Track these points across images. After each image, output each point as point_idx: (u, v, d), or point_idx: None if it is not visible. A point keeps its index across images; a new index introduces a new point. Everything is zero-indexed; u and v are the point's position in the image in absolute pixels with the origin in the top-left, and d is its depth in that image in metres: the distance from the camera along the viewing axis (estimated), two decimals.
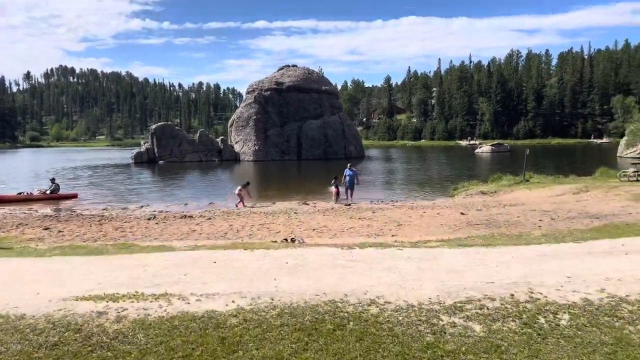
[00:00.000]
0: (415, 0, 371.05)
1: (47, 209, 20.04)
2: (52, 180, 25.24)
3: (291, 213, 16.42)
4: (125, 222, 14.30)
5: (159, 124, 64.32)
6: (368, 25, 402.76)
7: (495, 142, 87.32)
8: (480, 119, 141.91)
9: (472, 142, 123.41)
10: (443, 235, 10.38)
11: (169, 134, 60.24)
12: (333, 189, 21.88)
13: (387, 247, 8.51)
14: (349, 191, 22.33)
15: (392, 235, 10.43)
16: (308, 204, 20.54)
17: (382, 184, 30.96)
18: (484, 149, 77.78)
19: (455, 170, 41.66)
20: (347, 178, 22.62)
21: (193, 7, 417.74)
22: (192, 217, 15.26)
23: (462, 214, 14.05)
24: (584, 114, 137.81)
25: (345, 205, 19.60)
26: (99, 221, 14.73)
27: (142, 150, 60.69)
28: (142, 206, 20.77)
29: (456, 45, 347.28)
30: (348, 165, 23.31)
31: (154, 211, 18.27)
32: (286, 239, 10.13)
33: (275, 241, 9.88)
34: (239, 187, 20.86)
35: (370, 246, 8.72)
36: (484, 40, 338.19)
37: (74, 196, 25.51)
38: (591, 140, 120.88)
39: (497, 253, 7.54)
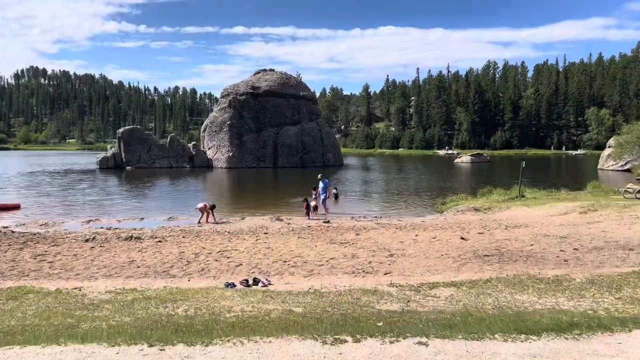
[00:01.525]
0: (393, 10, 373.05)
1: None
2: None
3: (260, 233, 14.03)
4: (54, 245, 11.70)
5: (127, 127, 61.09)
6: (346, 33, 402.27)
7: (475, 152, 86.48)
8: (458, 129, 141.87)
9: (450, 151, 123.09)
10: (449, 272, 8.20)
11: (138, 139, 57.10)
12: (308, 203, 19.93)
13: (382, 299, 6.30)
14: (324, 205, 20.19)
15: (386, 274, 8.17)
16: (282, 220, 18.20)
17: (363, 196, 28.80)
18: (464, 159, 76.74)
19: (437, 182, 39.86)
20: (321, 191, 20.54)
21: (171, 11, 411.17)
22: (139, 238, 12.73)
23: (462, 238, 11.90)
24: (559, 126, 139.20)
25: (323, 222, 17.31)
26: (23, 243, 12.10)
27: (108, 155, 57.37)
28: (89, 220, 18.06)
29: (433, 55, 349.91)
30: (319, 176, 21.35)
31: (100, 228, 15.62)
32: (247, 280, 7.74)
33: (232, 284, 7.46)
34: (204, 203, 18.42)
35: (361, 293, 6.49)
36: (460, 51, 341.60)
37: (16, 207, 22.65)
38: (566, 151, 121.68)
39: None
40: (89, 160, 64.60)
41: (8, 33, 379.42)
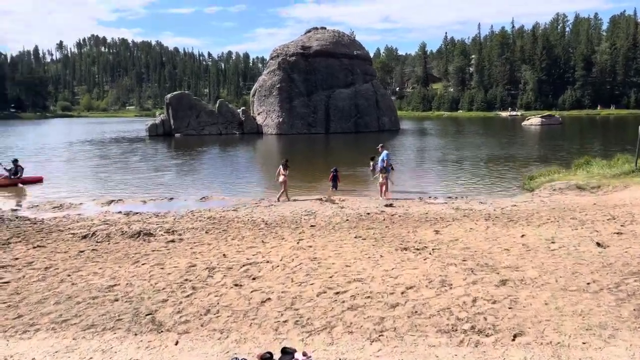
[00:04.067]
0: None
1: None
2: (14, 161, 20.36)
3: (305, 227, 10.84)
4: (39, 245, 9.01)
5: (175, 93, 59.04)
6: None
7: (545, 113, 79.07)
8: (523, 88, 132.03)
9: (513, 113, 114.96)
10: (625, 332, 4.72)
11: (186, 105, 55.01)
12: (335, 174, 17.67)
13: None
14: (387, 182, 16.68)
15: (515, 337, 4.69)
16: (334, 202, 14.95)
17: (428, 169, 24.96)
18: (533, 121, 70.02)
19: (507, 148, 35.18)
20: (380, 164, 17.01)
21: None
22: (150, 234, 9.91)
23: (598, 245, 8.17)
24: (637, 83, 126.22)
25: (385, 206, 13.90)
26: (6, 240, 9.53)
27: (157, 122, 55.84)
28: (111, 201, 15.55)
29: (494, 11, 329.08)
30: (379, 146, 17.84)
31: (117, 213, 12.98)
32: (270, 354, 4.43)
33: None
34: (283, 176, 16.08)
35: None
36: (524, 6, 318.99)
37: (38, 180, 20.71)
38: None
39: None
40: (142, 127, 63.59)
41: (69, 2, 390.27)
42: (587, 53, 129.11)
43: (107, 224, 11.40)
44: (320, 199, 15.36)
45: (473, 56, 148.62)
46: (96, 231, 10.18)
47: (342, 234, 9.95)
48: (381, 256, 7.89)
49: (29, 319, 5.57)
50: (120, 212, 13.49)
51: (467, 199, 15.20)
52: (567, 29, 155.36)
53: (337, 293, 6.16)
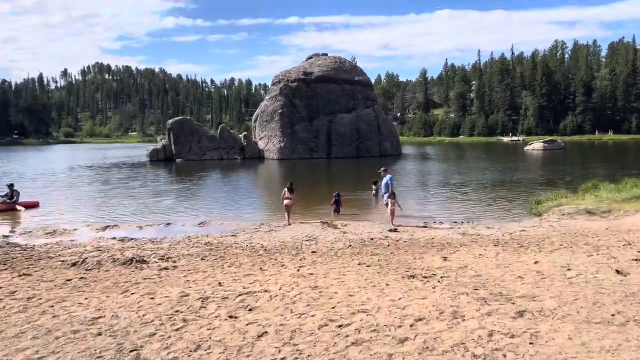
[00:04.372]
0: None
1: None
2: (10, 186, 20.01)
3: (306, 252, 10.36)
4: (24, 274, 8.52)
5: (176, 118, 59.18)
6: (401, 19, 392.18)
7: (547, 138, 79.00)
8: (524, 114, 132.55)
9: (515, 138, 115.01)
10: None
11: (188, 130, 55.04)
12: (338, 199, 17.57)
13: None
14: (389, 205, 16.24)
15: None
16: (336, 226, 14.49)
17: (432, 193, 24.51)
18: (535, 145, 69.88)
19: (511, 173, 34.81)
20: (383, 188, 16.65)
21: (225, 4, 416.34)
22: (142, 262, 9.44)
23: (618, 272, 7.65)
24: (638, 108, 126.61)
25: (389, 231, 13.45)
26: None
27: (158, 147, 55.77)
28: (106, 227, 15.10)
29: (493, 39, 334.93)
30: (381, 169, 17.48)
31: (112, 239, 12.52)
32: None
33: None
34: (289, 199, 15.93)
35: None
36: (521, 33, 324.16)
37: (34, 205, 20.34)
38: None
39: None
40: (143, 152, 63.51)
41: (75, 31, 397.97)
42: (586, 79, 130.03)
43: (99, 250, 10.94)
44: (322, 224, 14.90)
45: (473, 82, 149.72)
46: (86, 258, 9.71)
47: (345, 260, 9.46)
48: (387, 284, 7.38)
49: (2, 355, 5.08)
50: (114, 238, 13.04)
51: (473, 224, 14.72)
52: (566, 55, 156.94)
53: (340, 326, 5.65)
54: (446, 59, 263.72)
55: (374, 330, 5.46)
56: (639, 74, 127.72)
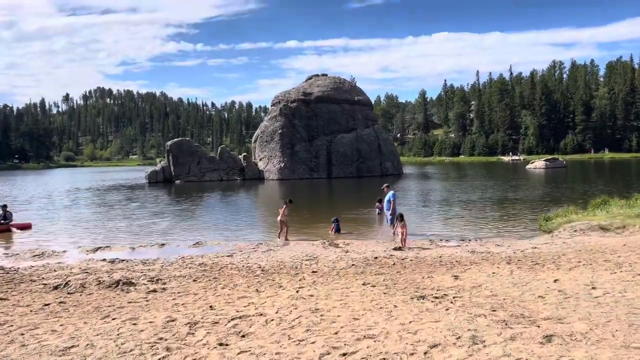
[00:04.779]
0: (446, 15, 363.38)
1: None
2: (3, 207, 19.42)
3: (306, 273, 9.68)
4: (2, 299, 7.88)
5: (175, 140, 58.84)
6: (400, 42, 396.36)
7: (549, 157, 78.67)
8: (524, 133, 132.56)
9: (515, 157, 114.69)
10: None
11: (187, 151, 54.61)
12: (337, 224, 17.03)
13: None
14: (393, 222, 15.72)
15: None
16: (337, 246, 13.82)
17: (435, 211, 23.85)
18: (537, 164, 69.44)
19: (517, 191, 34.18)
20: (386, 206, 16.29)
21: (226, 29, 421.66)
22: (130, 284, 8.77)
23: None
24: (638, 127, 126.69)
25: (394, 250, 12.79)
26: None
27: (157, 169, 55.28)
28: (97, 249, 14.42)
29: (490, 60, 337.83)
30: (384, 186, 17.03)
31: (101, 261, 11.84)
32: None
33: None
34: (282, 214, 15.42)
35: None
36: (518, 55, 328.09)
37: (27, 227, 19.74)
38: None
39: None
40: (142, 175, 63.02)
41: (77, 58, 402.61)
42: (585, 98, 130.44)
43: (86, 272, 10.25)
44: (323, 243, 14.23)
45: (473, 102, 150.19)
46: (70, 281, 9.03)
47: (348, 280, 8.77)
48: (395, 306, 6.69)
49: None
50: (104, 259, 12.35)
51: (482, 242, 14.04)
52: (564, 75, 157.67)
53: (344, 355, 4.96)
54: (445, 80, 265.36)
55: (383, 359, 4.78)
56: (637, 92, 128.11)
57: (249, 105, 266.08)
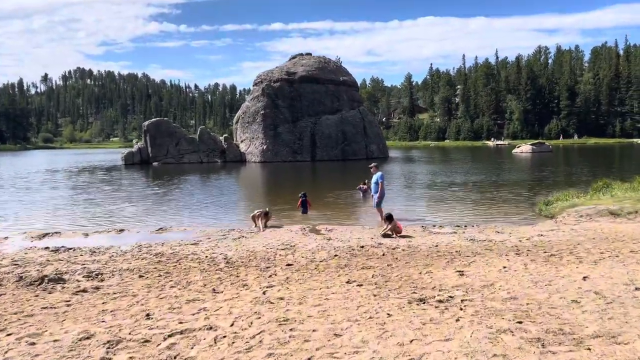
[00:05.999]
0: (432, 0, 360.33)
1: None
2: None
3: (279, 267, 8.10)
4: None
5: (153, 119, 56.51)
6: (384, 25, 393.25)
7: (536, 141, 77.92)
8: (509, 118, 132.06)
9: (499, 142, 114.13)
10: None
11: (165, 132, 52.41)
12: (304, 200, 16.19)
13: None
14: (379, 205, 14.22)
15: None
16: (318, 232, 12.26)
17: (426, 196, 22.41)
18: (523, 148, 68.66)
19: (507, 174, 33.07)
20: (373, 187, 14.76)
21: (210, 10, 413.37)
22: (59, 280, 7.08)
23: None
24: (622, 112, 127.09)
25: (383, 236, 11.26)
26: None
27: (133, 150, 53.01)
28: (45, 234, 12.62)
29: (475, 45, 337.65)
30: (371, 165, 15.46)
31: (44, 249, 10.11)
32: None
33: None
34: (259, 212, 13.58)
35: None
36: (503, 40, 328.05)
37: None
38: (633, 140, 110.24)
39: None
40: (119, 156, 60.62)
41: (56, 37, 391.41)
42: (570, 83, 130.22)
43: (15, 264, 8.54)
44: (303, 229, 12.63)
45: (458, 87, 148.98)
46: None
47: (329, 276, 7.22)
48: (388, 315, 5.13)
49: None
50: (47, 248, 10.61)
51: (480, 228, 12.59)
52: (550, 60, 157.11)
53: None
54: (431, 64, 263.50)
55: None
56: (622, 78, 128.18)
57: (233, 87, 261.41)
